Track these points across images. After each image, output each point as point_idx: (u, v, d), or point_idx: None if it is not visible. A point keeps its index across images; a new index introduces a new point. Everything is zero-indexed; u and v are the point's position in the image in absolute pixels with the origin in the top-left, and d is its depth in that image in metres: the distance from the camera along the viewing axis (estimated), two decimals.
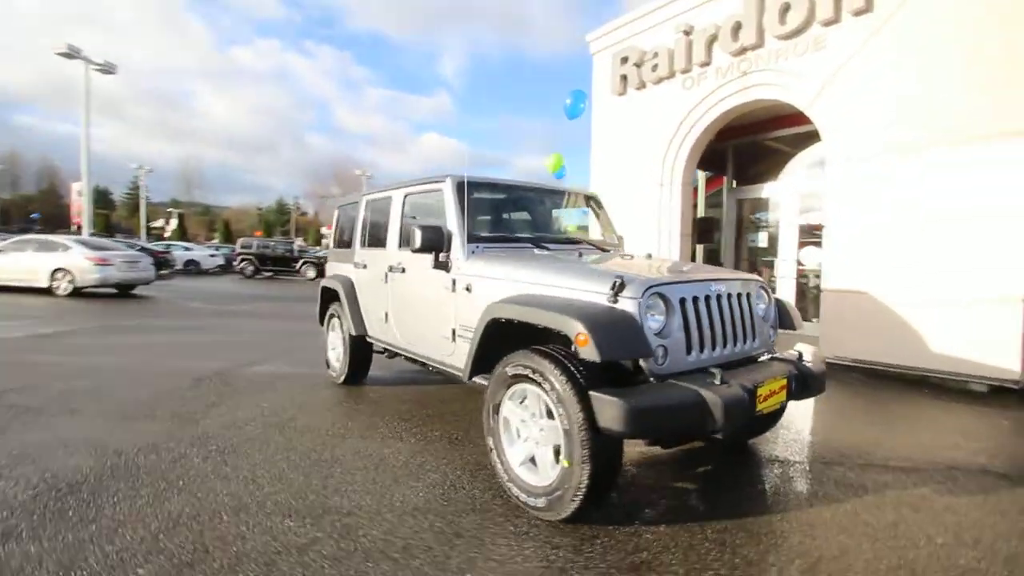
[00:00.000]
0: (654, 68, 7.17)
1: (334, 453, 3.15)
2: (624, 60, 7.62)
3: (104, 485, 2.65)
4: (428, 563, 2.04)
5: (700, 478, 2.95)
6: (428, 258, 3.40)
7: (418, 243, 3.15)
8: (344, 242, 5.06)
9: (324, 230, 52.34)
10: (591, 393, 2.10)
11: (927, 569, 2.06)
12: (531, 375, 2.37)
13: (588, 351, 2.11)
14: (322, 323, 5.27)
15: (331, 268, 5.21)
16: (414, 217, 3.82)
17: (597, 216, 4.22)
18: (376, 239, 4.32)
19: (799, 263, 7.09)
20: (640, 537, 2.28)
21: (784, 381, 2.51)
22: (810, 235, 6.96)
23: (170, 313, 9.99)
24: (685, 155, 7.02)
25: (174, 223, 46.91)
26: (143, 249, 17.35)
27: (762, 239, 7.67)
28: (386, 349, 4.37)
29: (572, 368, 2.24)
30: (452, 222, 3.28)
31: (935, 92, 4.81)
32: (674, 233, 7.11)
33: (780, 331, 3.07)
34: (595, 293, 2.40)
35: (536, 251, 3.34)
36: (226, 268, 25.33)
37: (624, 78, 7.64)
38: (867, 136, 5.27)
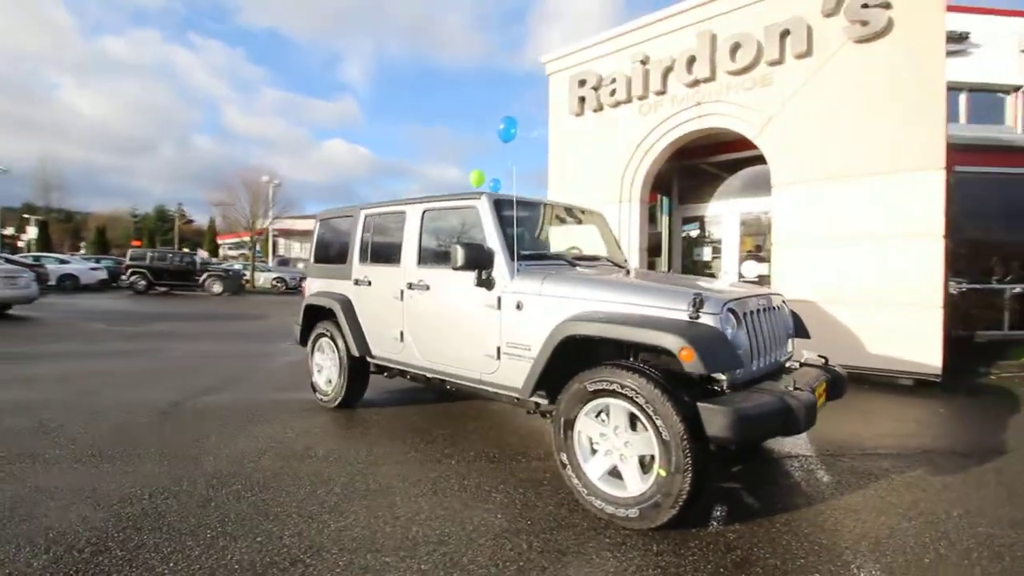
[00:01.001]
0: (612, 93, 7.62)
1: (379, 482, 2.99)
2: (582, 83, 8.00)
3: (134, 540, 2.32)
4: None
5: (739, 478, 3.20)
6: (459, 275, 3.37)
7: (460, 261, 3.11)
8: (330, 257, 4.80)
9: (222, 240, 48.18)
10: (699, 404, 2.24)
11: (959, 539, 2.43)
12: (619, 389, 2.46)
13: (693, 365, 2.25)
14: (304, 344, 4.93)
15: (314, 285, 4.90)
16: (437, 234, 3.76)
17: (602, 233, 4.40)
18: (383, 255, 4.16)
19: (740, 275, 7.84)
20: (724, 536, 2.44)
21: (825, 385, 2.83)
22: (752, 250, 7.75)
23: (72, 337, 8.69)
24: (643, 175, 7.51)
25: (33, 231, 40.55)
26: (9, 261, 14.84)
27: (707, 253, 8.40)
28: (386, 368, 4.21)
29: (663, 381, 2.37)
30: (493, 240, 3.28)
31: (863, 128, 5.62)
32: (634, 247, 7.55)
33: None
34: (674, 310, 2.55)
35: (579, 269, 3.44)
36: (109, 283, 22.42)
37: (582, 100, 8.01)
38: (808, 164, 6.02)
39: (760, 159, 7.07)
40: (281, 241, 43.92)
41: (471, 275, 3.29)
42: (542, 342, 2.91)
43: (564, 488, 2.91)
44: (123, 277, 20.61)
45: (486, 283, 3.24)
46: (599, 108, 7.86)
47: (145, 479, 2.96)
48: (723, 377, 2.45)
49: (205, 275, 20.31)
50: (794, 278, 6.10)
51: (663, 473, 2.33)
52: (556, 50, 8.44)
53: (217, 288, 20.22)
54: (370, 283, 4.20)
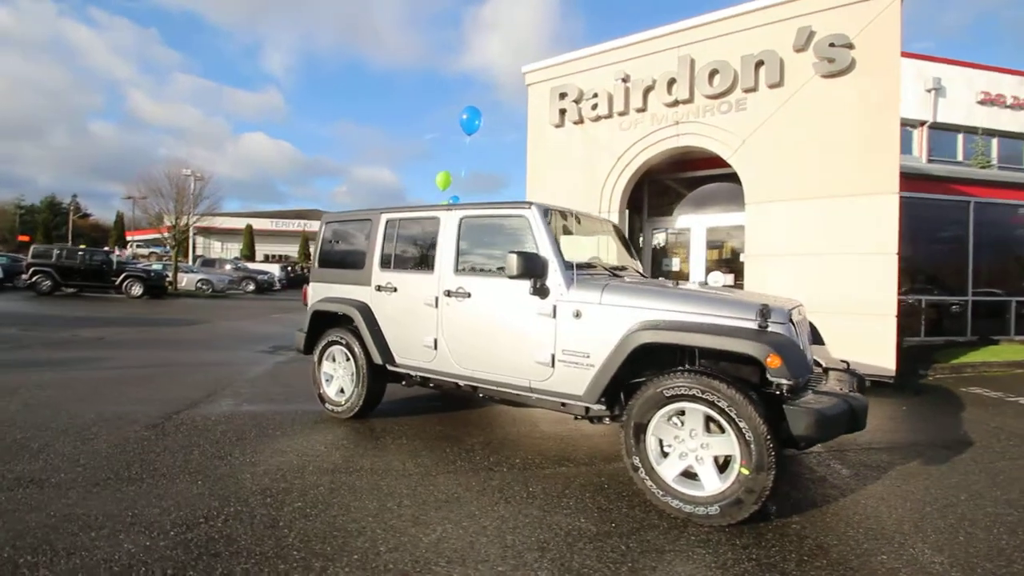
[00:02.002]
0: (594, 107, 7.90)
1: (444, 492, 2.96)
2: (563, 96, 8.22)
3: (218, 568, 2.15)
4: None
5: None
6: (507, 283, 3.42)
7: (517, 270, 3.15)
8: (341, 262, 4.62)
9: (131, 237, 44.02)
10: (786, 406, 2.44)
11: (976, 521, 2.81)
12: (699, 394, 2.62)
13: (779, 371, 2.44)
14: (308, 353, 4.70)
15: (321, 290, 4.69)
16: (477, 242, 3.76)
17: (616, 241, 4.57)
18: (410, 261, 4.09)
19: (707, 285, 8.37)
20: (790, 528, 2.66)
21: (857, 386, 3.15)
22: (718, 261, 8.31)
23: None
24: (622, 187, 7.84)
25: None
26: None
27: (675, 263, 8.88)
28: (404, 377, 4.14)
29: (741, 385, 2.56)
30: (546, 249, 3.34)
31: (829, 154, 6.25)
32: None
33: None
34: (743, 319, 2.74)
35: (627, 279, 3.57)
36: (3, 282, 19.81)
37: (563, 112, 8.23)
38: (779, 184, 6.58)
39: (726, 176, 7.63)
40: (200, 240, 40.84)
41: (522, 283, 3.33)
42: (606, 350, 3.01)
43: (627, 491, 3.03)
44: (23, 276, 18.30)
45: (540, 292, 3.30)
46: (580, 121, 8.12)
47: (187, 501, 2.73)
48: (786, 382, 2.66)
49: (124, 276, 18.47)
50: (764, 288, 6.62)
51: (746, 472, 2.51)
52: (536, 62, 8.61)
53: (137, 290, 18.47)
54: (395, 289, 4.11)
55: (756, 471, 2.48)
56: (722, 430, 2.64)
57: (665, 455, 2.83)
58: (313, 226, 44.95)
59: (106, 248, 26.94)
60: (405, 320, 4.03)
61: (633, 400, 2.86)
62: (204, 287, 22.96)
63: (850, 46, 6.04)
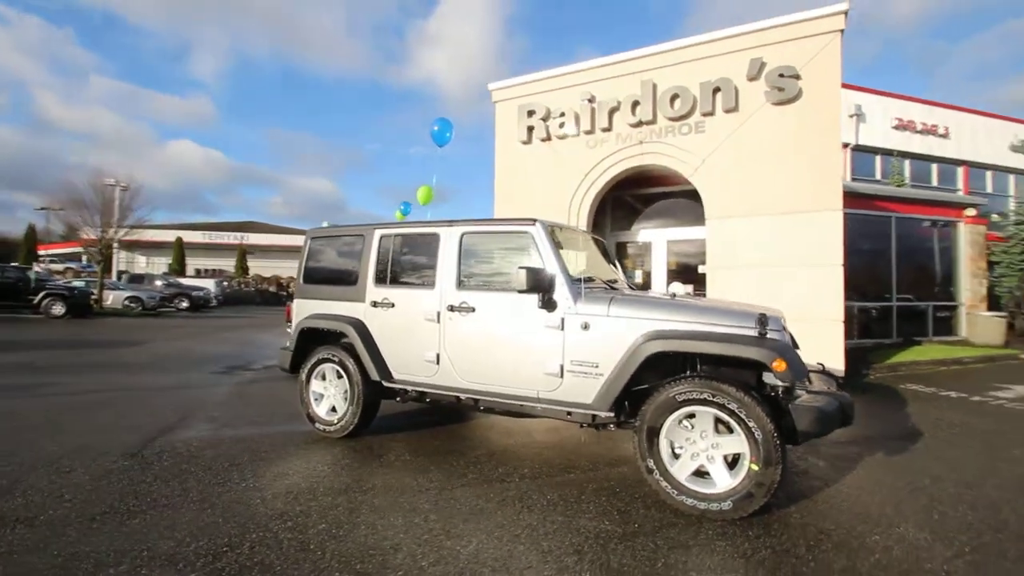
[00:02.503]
0: (561, 125, 8.19)
1: (467, 504, 2.99)
2: (530, 113, 8.47)
3: None
4: (702, 568, 2.31)
5: None
6: (512, 297, 3.53)
7: (526, 285, 3.27)
8: (330, 278, 4.55)
9: (44, 251, 40.30)
10: (792, 404, 2.68)
11: (943, 500, 3.16)
12: (710, 398, 2.82)
13: (784, 375, 2.69)
14: (294, 371, 4.57)
15: (307, 307, 4.58)
16: (479, 257, 3.83)
17: (600, 253, 4.76)
18: (408, 277, 4.10)
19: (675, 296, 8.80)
20: (792, 518, 2.89)
21: (836, 386, 3.48)
22: (678, 272, 8.76)
23: None
24: (590, 202, 8.15)
25: None
26: None
27: (637, 276, 9.27)
28: (396, 393, 4.12)
29: (748, 388, 2.79)
30: (552, 265, 3.47)
31: (780, 174, 6.81)
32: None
33: None
34: (744, 327, 2.98)
35: (627, 291, 3.76)
36: None
37: (531, 129, 8.47)
38: (736, 201, 7.08)
39: (686, 193, 8.12)
40: (123, 254, 37.97)
41: (528, 298, 3.45)
42: (615, 359, 3.18)
43: (638, 492, 3.19)
44: None
45: (548, 305, 3.43)
46: (548, 138, 8.38)
47: (202, 530, 2.62)
48: (789, 384, 2.92)
49: (43, 294, 16.90)
50: (723, 293, 7.08)
51: (755, 468, 2.73)
52: (503, 80, 8.83)
53: (59, 310, 16.95)
54: (392, 305, 4.10)
55: (765, 466, 2.70)
56: (730, 430, 2.85)
57: (677, 456, 3.01)
58: (252, 239, 42.98)
59: (15, 263, 24.43)
60: (404, 336, 4.03)
61: (645, 406, 3.03)
62: (133, 305, 21.35)
63: (797, 77, 6.64)
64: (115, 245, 24.76)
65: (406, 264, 4.15)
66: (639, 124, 7.66)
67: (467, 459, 3.81)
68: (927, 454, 4.06)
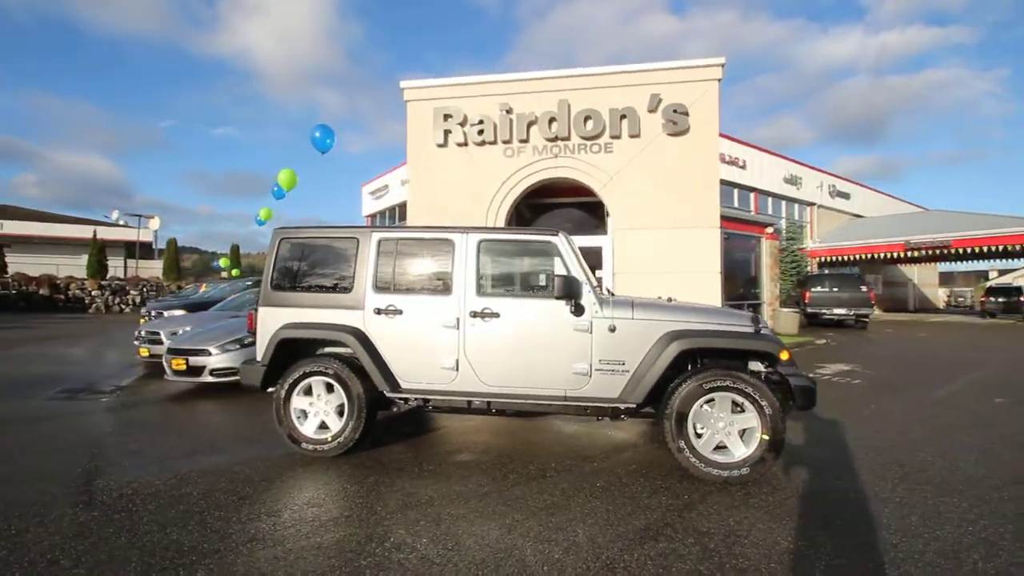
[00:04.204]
0: (480, 132, 8.42)
1: (539, 501, 3.15)
2: (447, 117, 8.52)
3: None
4: (754, 520, 2.88)
5: None
6: (538, 303, 3.81)
7: (561, 292, 3.59)
8: (309, 284, 4.18)
9: None
10: (795, 384, 3.42)
11: (895, 450, 4.29)
12: (732, 385, 3.45)
13: (788, 363, 3.43)
14: (264, 388, 4.09)
15: (281, 315, 4.11)
16: (499, 264, 3.96)
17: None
18: (418, 283, 4.01)
19: None
20: (791, 482, 3.68)
21: None
22: None
23: None
24: (507, 208, 8.53)
25: None
26: None
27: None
28: (400, 401, 4.05)
29: (757, 374, 3.49)
30: (578, 272, 3.80)
31: (674, 195, 8.05)
32: None
33: None
34: (743, 326, 3.69)
35: (642, 297, 4.20)
36: None
37: (447, 132, 8.53)
38: (638, 215, 8.15)
39: (591, 204, 9.02)
40: None
41: (556, 303, 3.74)
42: (639, 357, 3.65)
43: (664, 471, 3.69)
44: None
45: (578, 310, 3.74)
46: (465, 143, 8.53)
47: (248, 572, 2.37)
48: (783, 371, 3.68)
49: None
50: None
51: (766, 437, 3.42)
52: (417, 79, 8.72)
53: None
54: (400, 312, 3.97)
55: (773, 435, 3.42)
56: (742, 410, 3.52)
57: (699, 436, 3.58)
58: (9, 227, 33.68)
59: None
60: (416, 343, 3.94)
61: (674, 396, 3.54)
62: None
63: (686, 114, 7.93)
64: None
65: (414, 270, 4.05)
66: (555, 139, 8.30)
67: (495, 460, 3.90)
68: (854, 418, 5.32)
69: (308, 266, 4.25)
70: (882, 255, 20.19)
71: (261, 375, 4.07)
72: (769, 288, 14.64)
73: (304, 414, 4.04)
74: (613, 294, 4.95)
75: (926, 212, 24.81)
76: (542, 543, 2.61)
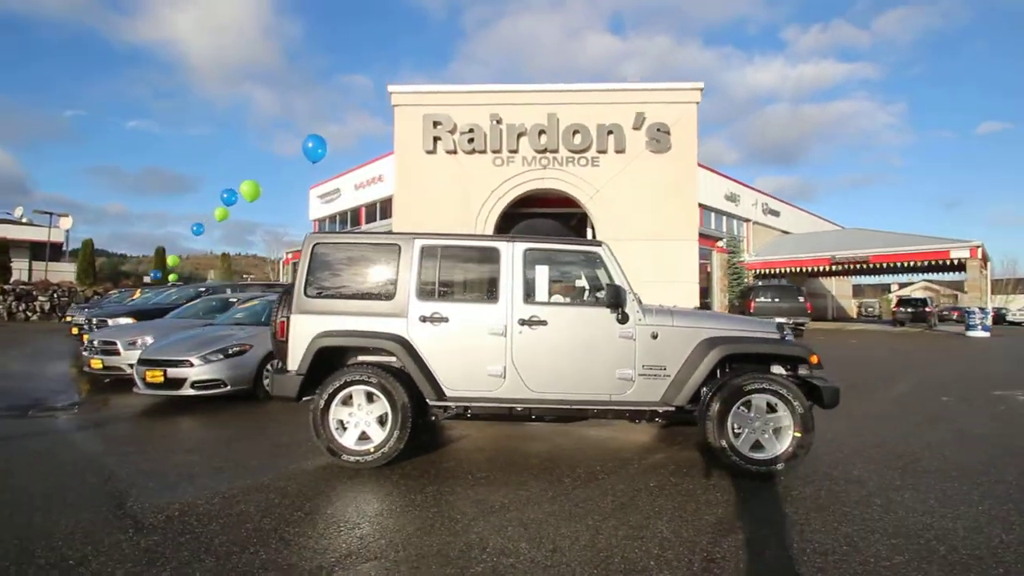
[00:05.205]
0: (470, 141, 8.48)
1: (609, 501, 3.28)
2: (436, 124, 8.51)
3: None
4: (799, 508, 3.17)
5: None
6: (585, 311, 4.01)
7: (611, 301, 3.79)
8: (347, 291, 4.09)
9: None
10: (823, 386, 3.76)
11: (866, 441, 4.75)
12: (768, 387, 3.75)
13: (817, 366, 3.78)
14: (299, 400, 3.95)
15: (317, 323, 3.99)
16: (545, 273, 4.07)
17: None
18: (464, 290, 4.06)
19: None
20: (820, 470, 4.02)
21: None
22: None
23: None
24: (495, 218, 8.62)
25: None
26: None
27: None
28: (441, 409, 4.06)
29: (789, 377, 3.82)
30: (621, 281, 3.99)
31: (656, 209, 8.49)
32: None
33: None
34: (771, 332, 4.02)
35: (678, 306, 4.43)
36: None
37: (436, 139, 8.52)
38: (623, 227, 8.52)
39: (559, 216, 9.30)
40: None
41: (602, 311, 3.92)
42: (678, 362, 3.89)
43: (705, 467, 3.93)
44: None
45: (623, 318, 3.92)
46: (454, 151, 8.56)
47: None
48: (812, 373, 4.03)
49: None
50: None
51: (799, 435, 3.74)
52: (406, 85, 8.65)
53: None
54: (446, 320, 3.98)
55: (805, 432, 3.74)
56: (775, 410, 3.82)
57: (737, 435, 3.84)
58: None
59: None
60: (463, 351, 3.96)
61: (716, 398, 3.79)
62: None
63: (668, 133, 8.42)
64: None
65: (459, 277, 4.08)
66: (544, 151, 8.52)
67: (533, 467, 3.97)
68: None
69: (345, 273, 4.16)
70: (809, 268, 22.04)
71: (298, 385, 3.92)
72: (719, 298, 15.62)
73: (342, 425, 3.94)
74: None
75: (845, 230, 27.42)
76: (634, 540, 2.74)
